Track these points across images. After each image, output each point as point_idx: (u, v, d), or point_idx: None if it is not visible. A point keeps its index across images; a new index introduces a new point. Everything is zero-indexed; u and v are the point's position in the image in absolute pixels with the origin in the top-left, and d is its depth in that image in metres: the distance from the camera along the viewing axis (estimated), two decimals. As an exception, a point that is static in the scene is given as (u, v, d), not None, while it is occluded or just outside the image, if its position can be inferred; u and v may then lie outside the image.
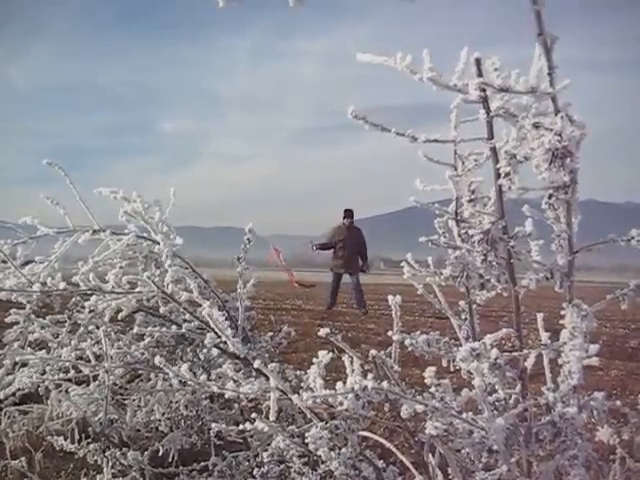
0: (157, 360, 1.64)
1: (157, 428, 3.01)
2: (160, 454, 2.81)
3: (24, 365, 2.61)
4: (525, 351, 1.54)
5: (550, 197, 1.41)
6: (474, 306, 1.89)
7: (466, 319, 1.93)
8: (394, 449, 1.85)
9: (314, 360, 1.55)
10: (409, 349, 1.77)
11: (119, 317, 2.45)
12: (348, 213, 13.99)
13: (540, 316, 1.84)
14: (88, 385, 2.95)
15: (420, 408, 1.35)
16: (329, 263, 14.34)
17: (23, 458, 2.94)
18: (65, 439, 2.86)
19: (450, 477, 1.59)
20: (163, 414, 2.91)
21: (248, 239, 2.51)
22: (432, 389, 1.42)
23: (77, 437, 3.10)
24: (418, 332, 1.78)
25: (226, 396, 1.65)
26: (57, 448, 2.89)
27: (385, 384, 1.35)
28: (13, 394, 2.69)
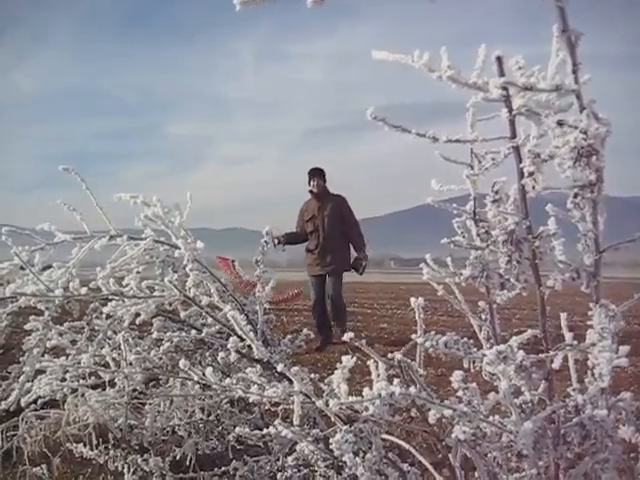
0: (182, 364, 1.64)
1: (174, 432, 3.01)
2: (177, 459, 2.82)
3: (41, 372, 2.62)
4: (552, 352, 1.53)
5: (575, 196, 1.39)
6: (495, 305, 1.87)
7: (486, 319, 1.91)
8: (413, 451, 1.85)
9: (338, 365, 1.54)
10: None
11: (137, 322, 2.46)
12: (314, 172, 8.48)
13: (563, 316, 1.82)
14: (104, 390, 2.96)
15: (448, 413, 1.34)
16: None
17: (44, 465, 2.95)
18: (83, 445, 2.87)
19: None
20: (180, 419, 2.91)
21: (265, 241, 2.51)
22: (459, 393, 1.41)
23: (95, 442, 3.11)
24: (433, 332, 1.77)
25: (250, 400, 1.64)
26: (75, 453, 2.91)
27: (413, 389, 1.34)
28: (35, 402, 2.70)
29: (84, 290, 2.25)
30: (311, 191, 8.48)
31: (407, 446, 1.85)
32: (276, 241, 8.19)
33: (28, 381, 2.43)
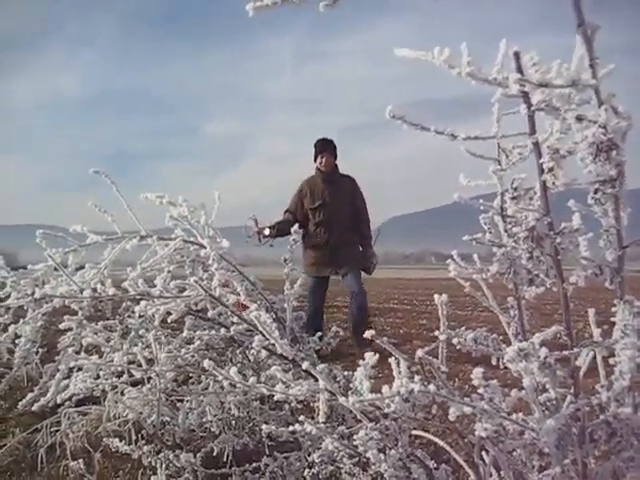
0: (206, 363, 1.66)
1: (209, 429, 3.06)
2: (215, 454, 2.86)
3: (78, 370, 2.69)
4: (576, 349, 1.51)
5: (596, 192, 1.37)
6: (524, 301, 1.85)
7: (515, 316, 1.90)
8: (447, 447, 1.84)
9: (360, 362, 1.55)
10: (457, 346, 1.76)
11: (169, 320, 2.50)
12: (324, 146, 6.76)
13: (592, 312, 1.80)
14: (143, 386, 3.02)
15: (468, 410, 1.33)
16: (300, 260, 6.84)
17: (82, 459, 3.02)
18: (122, 440, 2.93)
19: (502, 478, 1.57)
20: (215, 415, 2.95)
21: (294, 240, 2.54)
22: (480, 390, 1.41)
23: (134, 438, 3.18)
24: (463, 328, 1.76)
25: (275, 398, 1.66)
26: (115, 449, 2.98)
27: (432, 386, 1.34)
28: (69, 399, 2.77)
29: (112, 291, 2.30)
30: (318, 170, 6.77)
31: (442, 443, 1.85)
32: (266, 232, 6.44)
33: (65, 378, 2.50)
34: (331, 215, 6.67)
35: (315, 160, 6.79)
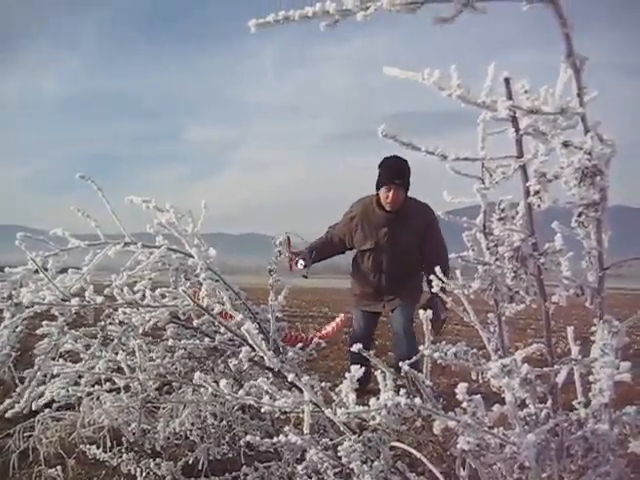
0: (196, 376, 1.68)
1: (187, 437, 3.06)
2: (190, 463, 2.86)
3: (55, 376, 2.67)
4: (556, 366, 1.55)
5: (580, 215, 1.42)
6: (504, 317, 1.89)
7: (495, 332, 1.93)
8: (424, 459, 1.87)
9: (347, 375, 1.58)
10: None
11: (146, 328, 2.50)
12: (392, 173, 4.70)
13: (570, 329, 1.84)
14: (119, 393, 3.01)
15: (452, 424, 1.37)
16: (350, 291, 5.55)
17: (59, 467, 3.00)
18: (97, 447, 2.92)
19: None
20: (192, 424, 2.95)
21: (279, 251, 2.56)
22: (464, 404, 1.44)
23: (109, 445, 3.16)
24: (444, 342, 1.79)
25: (263, 410, 1.68)
26: (89, 455, 2.96)
27: (418, 400, 1.38)
28: (49, 405, 2.75)
29: (100, 299, 2.30)
30: (378, 202, 4.86)
31: (418, 455, 1.87)
32: (301, 262, 4.93)
33: (43, 383, 2.48)
34: (383, 264, 5.04)
35: (377, 188, 4.86)
